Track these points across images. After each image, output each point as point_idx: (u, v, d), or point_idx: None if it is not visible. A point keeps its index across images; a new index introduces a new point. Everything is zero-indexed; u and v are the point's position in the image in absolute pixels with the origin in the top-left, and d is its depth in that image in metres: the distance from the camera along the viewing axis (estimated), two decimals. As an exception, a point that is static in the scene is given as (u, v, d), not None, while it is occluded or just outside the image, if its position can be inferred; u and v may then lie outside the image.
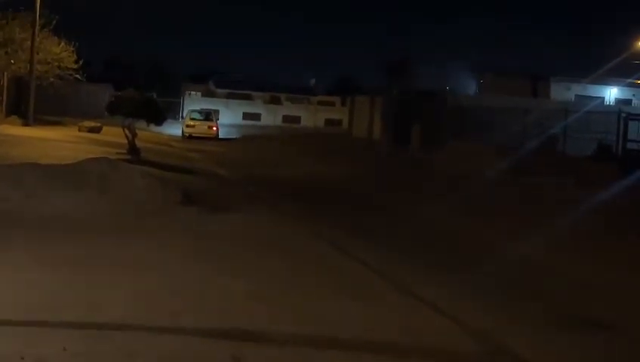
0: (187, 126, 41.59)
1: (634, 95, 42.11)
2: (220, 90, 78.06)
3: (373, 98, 42.28)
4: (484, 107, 32.31)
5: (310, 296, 7.86)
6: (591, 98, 39.57)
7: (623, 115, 25.37)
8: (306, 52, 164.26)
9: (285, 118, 72.92)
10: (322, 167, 26.21)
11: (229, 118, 67.62)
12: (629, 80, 42.94)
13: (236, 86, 78.17)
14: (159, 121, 23.23)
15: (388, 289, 8.57)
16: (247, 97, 77.16)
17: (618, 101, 41.60)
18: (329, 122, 72.41)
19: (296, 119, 73.09)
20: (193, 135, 40.58)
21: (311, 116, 74.41)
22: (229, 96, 76.28)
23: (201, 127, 41.37)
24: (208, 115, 44.03)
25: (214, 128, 41.70)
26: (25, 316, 6.41)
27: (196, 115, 43.56)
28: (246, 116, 71.03)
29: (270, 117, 72.13)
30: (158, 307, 6.93)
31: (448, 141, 29.59)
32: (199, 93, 76.80)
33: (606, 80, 42.61)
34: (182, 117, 67.18)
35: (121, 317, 6.51)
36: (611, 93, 43.41)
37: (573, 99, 38.91)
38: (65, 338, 5.89)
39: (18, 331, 6.06)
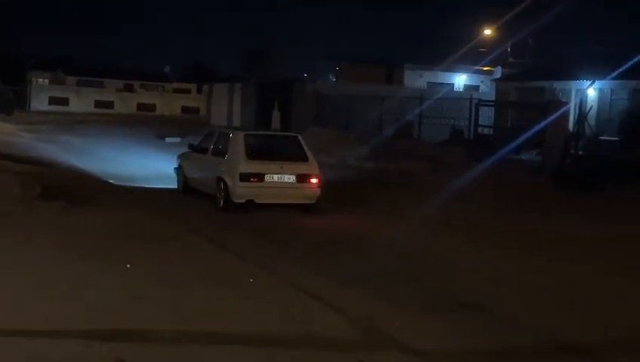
0: (242, 176, 13.92)
1: (482, 81, 44.08)
2: (69, 78, 75.18)
3: (231, 85, 41.98)
4: (342, 94, 32.76)
5: (188, 289, 7.72)
6: (442, 85, 41.13)
7: (475, 101, 26.41)
8: (160, 38, 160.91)
9: (140, 106, 71.17)
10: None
11: (80, 107, 65.29)
12: (477, 67, 44.95)
13: (87, 73, 75.51)
14: (9, 111, 22.06)
15: (265, 279, 8.55)
16: (99, 85, 74.78)
17: (467, 87, 43.42)
18: (186, 110, 71.42)
19: (151, 107, 71.51)
20: (260, 201, 14.14)
21: (166, 104, 73.09)
22: (79, 84, 73.59)
23: (279, 182, 14.21)
24: (293, 144, 15.14)
25: (313, 181, 14.38)
26: None
27: (257, 143, 15.38)
28: (98, 104, 68.77)
29: (123, 105, 70.22)
30: (31, 310, 6.58)
31: (308, 128, 29.80)
32: (47, 81, 73.68)
33: (455, 67, 44.40)
34: (29, 106, 64.31)
35: (-8, 323, 6.13)
36: (460, 80, 45.30)
37: (425, 85, 40.19)
38: None
39: None
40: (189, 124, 43.31)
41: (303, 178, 14.25)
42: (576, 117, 22.93)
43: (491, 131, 27.06)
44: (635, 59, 24.70)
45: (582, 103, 23.31)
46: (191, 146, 16.57)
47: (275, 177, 14.02)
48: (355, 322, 7.00)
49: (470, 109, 26.02)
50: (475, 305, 7.93)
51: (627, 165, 20.55)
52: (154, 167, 20.63)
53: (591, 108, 24.53)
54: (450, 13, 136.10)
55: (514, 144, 22.94)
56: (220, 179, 14.15)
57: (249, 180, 13.80)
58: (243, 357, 5.92)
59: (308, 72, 41.38)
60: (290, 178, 14.16)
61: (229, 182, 13.85)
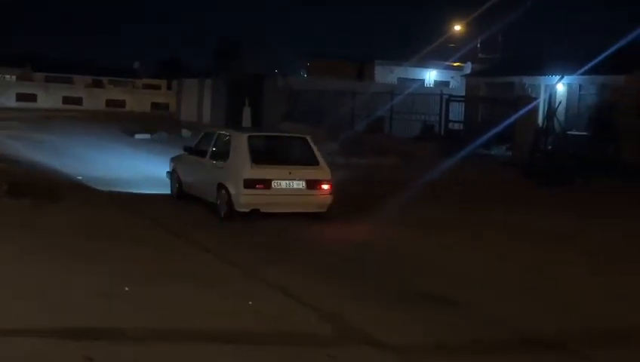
0: (246, 183, 12.31)
1: (452, 77, 44.21)
2: (37, 74, 74.32)
3: (202, 81, 41.80)
4: (314, 90, 32.72)
5: (157, 286, 7.65)
6: (412, 80, 41.18)
7: (445, 96, 26.55)
8: (130, 34, 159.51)
9: (109, 103, 70.60)
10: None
11: (48, 103, 64.58)
12: (447, 63, 45.13)
13: (56, 69, 74.68)
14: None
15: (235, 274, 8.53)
16: (68, 81, 74.01)
17: (437, 83, 43.57)
18: (155, 106, 70.97)
19: (120, 103, 70.98)
20: (266, 210, 12.66)
21: (136, 100, 72.53)
22: (47, 80, 72.79)
23: (288, 188, 12.56)
24: (302, 147, 13.47)
25: (325, 188, 12.77)
26: None
27: (262, 145, 13.60)
28: (66, 100, 68.05)
29: (92, 101, 69.57)
30: (1, 308, 6.47)
31: (279, 124, 29.76)
32: (14, 77, 72.77)
33: (426, 63, 44.52)
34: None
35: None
36: (431, 76, 45.41)
37: (395, 81, 40.24)
38: None
39: None
40: (158, 120, 43.01)
41: (313, 184, 12.62)
42: (545, 112, 23.11)
43: (462, 126, 27.24)
44: (604, 55, 24.95)
45: (551, 98, 23.52)
46: (187, 148, 14.71)
47: (283, 183, 12.40)
48: (327, 319, 6.98)
49: (441, 105, 26.18)
50: (447, 301, 7.94)
51: (595, 160, 20.81)
52: (131, 166, 20.42)
53: (560, 103, 24.72)
54: (419, 9, 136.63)
55: (484, 139, 23.14)
56: (221, 186, 12.58)
57: (254, 187, 12.21)
58: (213, 354, 5.87)
59: (279, 68, 41.27)
60: (300, 184, 12.53)
61: (232, 190, 12.27)
